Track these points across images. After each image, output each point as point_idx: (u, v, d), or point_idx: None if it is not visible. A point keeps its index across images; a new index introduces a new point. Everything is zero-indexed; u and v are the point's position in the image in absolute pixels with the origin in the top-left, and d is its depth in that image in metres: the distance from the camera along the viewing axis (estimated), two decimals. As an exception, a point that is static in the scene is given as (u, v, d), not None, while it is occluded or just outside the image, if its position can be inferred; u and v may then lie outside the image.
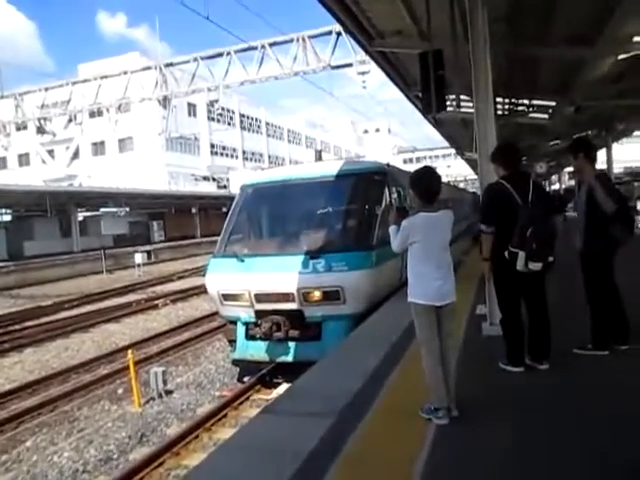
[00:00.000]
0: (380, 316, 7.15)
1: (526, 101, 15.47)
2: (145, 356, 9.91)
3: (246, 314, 7.61)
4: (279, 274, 7.25)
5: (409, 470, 2.93)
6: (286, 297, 7.22)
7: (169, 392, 8.03)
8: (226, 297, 7.72)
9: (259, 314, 7.44)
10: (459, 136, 22.91)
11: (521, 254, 4.01)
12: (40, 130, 25.94)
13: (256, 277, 7.37)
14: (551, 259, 4.11)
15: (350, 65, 20.84)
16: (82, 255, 31.49)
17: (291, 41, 22.35)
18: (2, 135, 25.60)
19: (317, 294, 7.15)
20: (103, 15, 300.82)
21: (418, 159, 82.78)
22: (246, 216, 9.02)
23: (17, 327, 14.49)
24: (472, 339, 5.37)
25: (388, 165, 9.70)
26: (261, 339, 7.46)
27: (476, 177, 49.25)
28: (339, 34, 20.09)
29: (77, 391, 8.37)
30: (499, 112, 14.86)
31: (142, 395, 7.77)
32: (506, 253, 4.10)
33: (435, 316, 3.51)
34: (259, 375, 7.84)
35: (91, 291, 20.95)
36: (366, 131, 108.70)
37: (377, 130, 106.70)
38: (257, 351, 7.56)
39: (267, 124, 70.96)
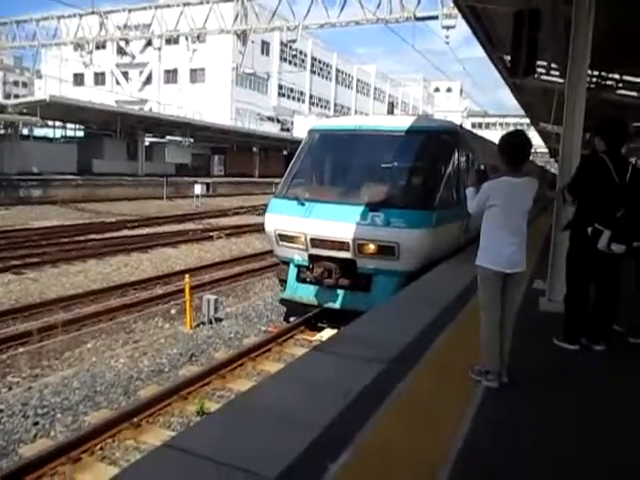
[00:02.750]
0: (435, 276, 7.16)
1: (617, 76, 14.43)
2: (198, 283, 10.31)
3: (299, 257, 7.77)
4: (337, 222, 7.30)
5: (454, 424, 3.02)
6: (341, 245, 7.30)
7: (219, 320, 8.40)
8: (282, 237, 7.88)
9: (312, 258, 7.58)
10: (537, 105, 21.79)
11: (606, 233, 3.90)
12: (120, 51, 26.42)
13: (314, 222, 7.46)
14: (636, 244, 3.99)
15: (435, 18, 19.95)
16: (145, 179, 32.67)
17: (377, -15, 21.57)
18: (85, 52, 26.21)
19: (372, 247, 7.19)
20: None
21: (487, 125, 79.66)
22: (311, 160, 8.99)
23: (82, 238, 15.34)
24: (527, 313, 5.30)
25: (461, 127, 9.45)
26: (311, 283, 7.63)
27: (547, 150, 46.97)
28: (428, -17, 19.25)
29: (134, 305, 8.88)
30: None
31: (193, 319, 8.18)
32: (589, 229, 4.00)
33: (501, 283, 3.50)
34: (305, 317, 8.05)
35: (150, 215, 21.80)
36: (437, 89, 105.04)
37: (448, 90, 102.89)
38: (306, 294, 7.76)
39: (337, 71, 69.57)
